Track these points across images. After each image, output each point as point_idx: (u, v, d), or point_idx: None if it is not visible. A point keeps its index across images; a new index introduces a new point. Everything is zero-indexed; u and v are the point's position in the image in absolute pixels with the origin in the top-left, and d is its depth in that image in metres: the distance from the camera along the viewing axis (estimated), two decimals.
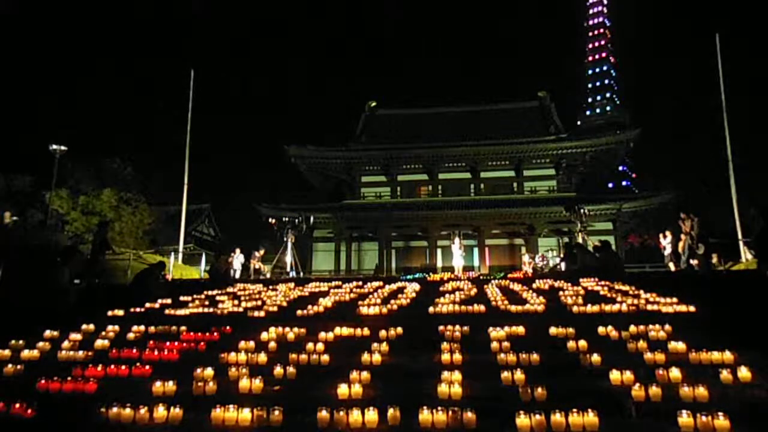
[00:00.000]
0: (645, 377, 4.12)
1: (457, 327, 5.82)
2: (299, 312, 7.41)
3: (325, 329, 5.94)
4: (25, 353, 5.43)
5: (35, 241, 14.97)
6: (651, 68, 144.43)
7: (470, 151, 32.87)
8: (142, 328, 6.45)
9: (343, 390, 4.07)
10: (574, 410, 3.38)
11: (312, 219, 20.72)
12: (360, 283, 10.76)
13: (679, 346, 4.91)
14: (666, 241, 15.50)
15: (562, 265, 14.99)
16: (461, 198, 33.00)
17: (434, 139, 33.55)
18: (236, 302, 8.59)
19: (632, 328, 5.54)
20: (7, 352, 5.46)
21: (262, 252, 18.19)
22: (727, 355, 4.53)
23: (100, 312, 7.51)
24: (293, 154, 33.59)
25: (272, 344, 5.63)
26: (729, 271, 14.56)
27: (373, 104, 40.55)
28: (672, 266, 15.27)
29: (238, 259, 17.64)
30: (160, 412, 3.66)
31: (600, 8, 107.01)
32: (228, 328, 6.31)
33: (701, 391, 3.72)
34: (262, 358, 5.08)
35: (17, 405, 3.76)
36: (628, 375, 4.12)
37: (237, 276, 17.26)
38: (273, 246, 21.34)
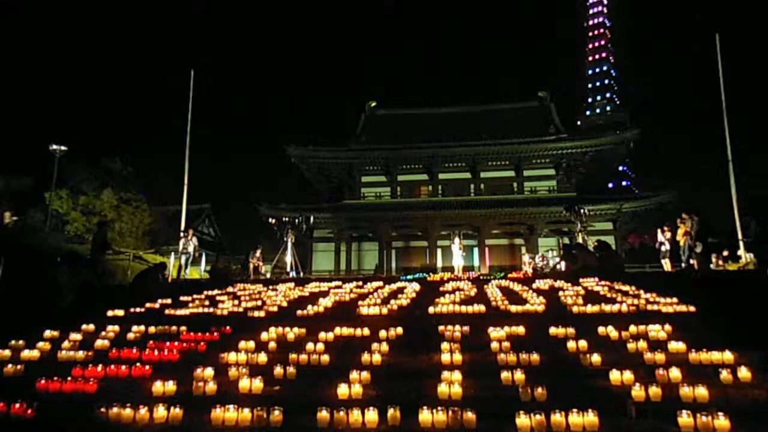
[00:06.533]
0: (645, 377, 4.13)
1: (457, 327, 5.82)
2: (299, 312, 7.41)
3: (325, 329, 5.94)
4: (25, 353, 5.44)
5: (34, 242, 14.97)
6: (651, 68, 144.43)
7: (470, 151, 32.84)
8: (142, 328, 6.45)
9: (343, 390, 4.07)
10: (574, 410, 3.38)
11: (312, 219, 20.70)
12: (360, 283, 10.77)
13: (679, 346, 4.91)
14: (664, 237, 15.41)
15: (562, 265, 14.98)
16: (461, 198, 32.97)
17: (434, 139, 33.49)
18: (236, 302, 8.59)
19: (632, 328, 5.55)
20: (7, 352, 5.46)
21: (260, 252, 18.15)
22: (727, 355, 4.53)
23: (100, 312, 7.52)
24: (293, 154, 33.56)
25: (272, 344, 5.63)
26: (730, 270, 14.56)
27: (373, 104, 40.51)
28: (667, 264, 15.23)
29: (191, 242, 16.27)
30: (160, 412, 3.66)
31: (600, 8, 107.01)
32: (228, 328, 6.32)
33: (701, 391, 3.72)
34: (262, 358, 5.08)
35: (17, 405, 3.76)
36: (628, 375, 4.13)
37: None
38: (273, 246, 21.34)
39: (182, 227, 21.97)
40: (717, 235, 16.60)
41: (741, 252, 17.32)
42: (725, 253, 16.05)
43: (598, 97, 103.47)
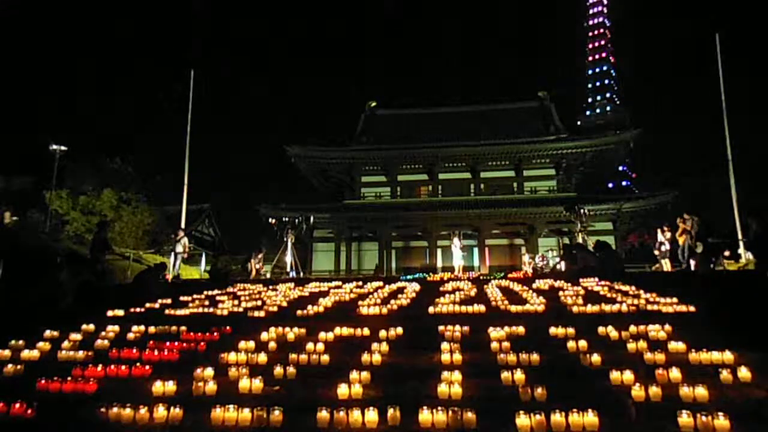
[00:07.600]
0: (645, 377, 4.13)
1: (457, 327, 5.81)
2: (299, 312, 7.41)
3: (325, 329, 5.93)
4: (25, 353, 5.43)
5: (34, 241, 14.98)
6: (651, 68, 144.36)
7: (470, 151, 32.86)
8: (142, 328, 6.45)
9: (343, 390, 4.07)
10: (574, 410, 3.38)
11: (312, 219, 20.71)
12: (360, 283, 10.75)
13: (679, 346, 4.91)
14: (664, 237, 15.40)
15: (562, 265, 14.98)
16: (461, 198, 32.99)
17: (434, 139, 33.51)
18: (236, 302, 8.59)
19: (632, 328, 5.54)
20: (7, 352, 5.46)
21: (262, 254, 18.15)
22: (727, 355, 4.53)
23: (100, 312, 7.51)
24: (293, 154, 33.58)
25: (272, 344, 5.62)
26: (730, 269, 14.56)
27: (373, 104, 40.53)
28: (665, 264, 15.21)
29: (181, 243, 16.85)
30: (160, 412, 3.66)
31: (600, 8, 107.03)
32: (228, 328, 6.31)
33: (701, 391, 3.72)
34: (262, 358, 5.08)
35: (17, 405, 3.76)
36: (628, 375, 4.12)
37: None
38: (273, 246, 21.34)
39: (182, 227, 21.98)
40: (717, 236, 16.59)
41: (741, 252, 17.33)
42: (726, 253, 16.04)
43: (598, 97, 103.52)
